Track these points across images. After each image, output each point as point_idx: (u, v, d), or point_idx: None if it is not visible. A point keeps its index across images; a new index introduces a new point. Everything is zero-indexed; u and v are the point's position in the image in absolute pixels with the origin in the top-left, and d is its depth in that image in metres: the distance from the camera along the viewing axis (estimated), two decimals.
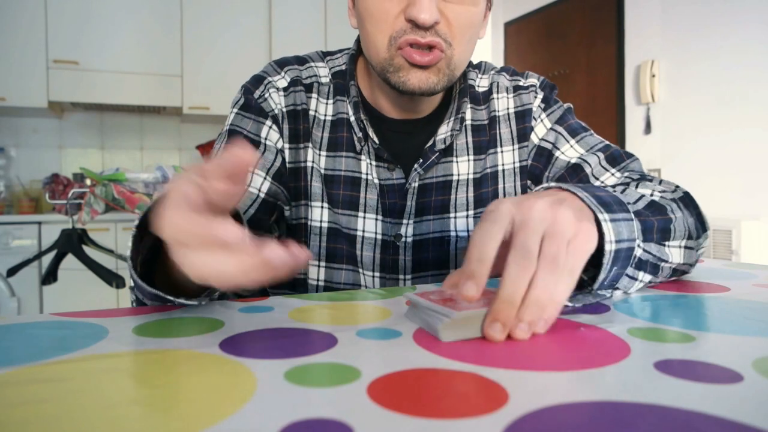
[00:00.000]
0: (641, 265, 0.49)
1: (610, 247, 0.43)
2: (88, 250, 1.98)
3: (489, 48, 3.82)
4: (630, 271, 0.48)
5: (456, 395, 0.27)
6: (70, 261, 1.99)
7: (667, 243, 0.51)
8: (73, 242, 1.93)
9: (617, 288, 0.49)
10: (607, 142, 0.72)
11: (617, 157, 0.69)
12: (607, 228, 0.43)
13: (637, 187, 0.57)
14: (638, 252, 0.47)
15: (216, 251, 0.31)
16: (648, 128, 2.72)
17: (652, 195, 0.55)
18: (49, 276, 1.99)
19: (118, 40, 3.17)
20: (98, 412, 0.25)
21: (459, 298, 0.38)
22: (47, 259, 2.05)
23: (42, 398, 0.27)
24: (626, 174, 0.67)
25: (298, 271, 0.39)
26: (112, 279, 1.92)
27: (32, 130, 3.32)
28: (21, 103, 3.00)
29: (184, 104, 3.29)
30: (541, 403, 0.26)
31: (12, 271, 2.07)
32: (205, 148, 3.41)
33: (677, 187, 0.60)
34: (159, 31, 3.25)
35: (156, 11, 3.24)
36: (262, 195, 0.67)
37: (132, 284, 0.49)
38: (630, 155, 0.70)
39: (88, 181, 1.90)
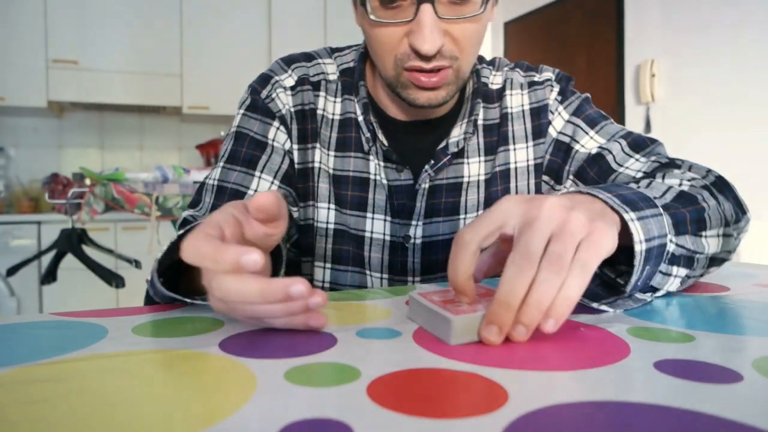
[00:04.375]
0: (674, 260, 0.46)
1: (640, 247, 0.41)
2: (88, 250, 1.98)
3: (489, 48, 3.82)
4: (663, 267, 0.46)
5: (456, 395, 0.27)
6: (69, 261, 1.99)
7: (703, 233, 0.48)
8: (73, 242, 1.93)
9: (656, 289, 0.46)
10: (629, 129, 0.69)
11: (640, 142, 0.66)
12: (635, 228, 0.41)
13: (664, 177, 0.54)
14: (671, 247, 0.45)
15: (234, 276, 0.34)
16: (648, 128, 2.72)
17: (680, 185, 0.52)
18: (49, 276, 1.99)
19: (118, 39, 3.17)
20: (98, 412, 0.25)
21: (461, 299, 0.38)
22: (47, 259, 2.05)
23: (42, 398, 0.27)
24: (653, 158, 0.64)
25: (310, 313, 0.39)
26: (111, 279, 1.93)
27: (32, 129, 3.32)
28: (20, 103, 3.00)
29: (183, 104, 3.29)
30: (541, 403, 0.26)
31: (11, 271, 2.07)
32: (205, 148, 3.40)
33: (709, 171, 0.57)
34: (159, 31, 3.25)
35: (155, 11, 3.24)
36: None
37: (150, 285, 0.49)
38: (654, 140, 0.67)
39: (87, 181, 1.90)
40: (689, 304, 0.48)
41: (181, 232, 0.46)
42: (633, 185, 0.48)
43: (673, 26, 2.62)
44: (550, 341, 0.37)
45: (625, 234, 0.41)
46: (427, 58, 0.56)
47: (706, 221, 0.48)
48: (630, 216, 0.41)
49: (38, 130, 3.33)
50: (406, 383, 0.29)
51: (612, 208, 0.41)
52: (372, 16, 0.56)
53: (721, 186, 0.54)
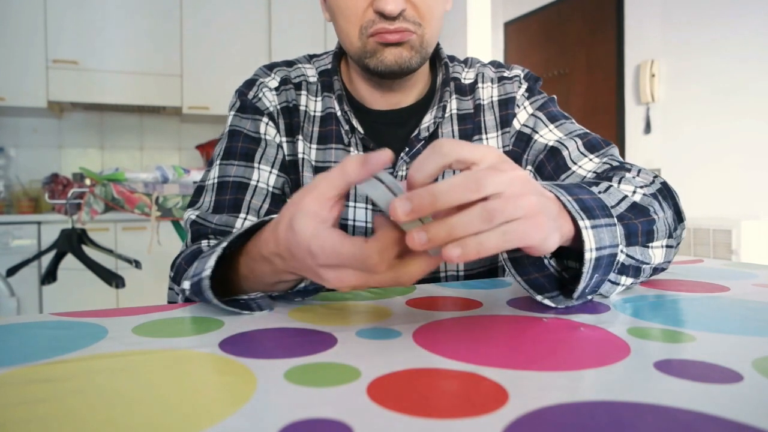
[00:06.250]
0: (623, 269, 0.49)
1: (590, 255, 0.41)
2: (88, 250, 1.98)
3: (489, 48, 3.82)
4: (612, 276, 0.48)
5: (456, 395, 0.27)
6: (69, 261, 1.99)
7: (651, 245, 0.51)
8: (73, 242, 1.93)
9: (600, 294, 0.49)
10: (586, 130, 0.73)
11: (596, 144, 0.70)
12: (588, 236, 0.41)
13: (620, 183, 0.56)
14: (621, 257, 0.47)
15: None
16: (648, 128, 2.72)
17: (634, 194, 0.54)
18: (49, 276, 1.99)
19: (118, 39, 3.16)
20: (98, 412, 0.25)
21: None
22: (47, 259, 2.05)
23: (42, 398, 0.27)
24: (605, 160, 0.67)
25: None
26: (111, 279, 1.92)
27: (32, 129, 3.32)
28: (20, 103, 3.00)
29: (183, 104, 3.29)
30: (541, 403, 0.26)
31: (11, 271, 2.07)
32: (205, 148, 3.40)
33: (655, 177, 0.60)
34: (159, 31, 3.25)
35: (156, 11, 3.24)
36: (271, 189, 0.69)
37: (185, 290, 0.48)
38: (608, 143, 0.71)
39: (87, 181, 1.90)
40: (689, 305, 0.48)
41: (225, 244, 0.46)
42: (594, 188, 0.49)
43: (673, 26, 2.62)
44: (550, 341, 0.37)
45: (578, 239, 0.42)
46: (390, 19, 0.60)
47: (654, 233, 0.51)
48: (585, 224, 0.41)
49: (38, 130, 3.33)
50: (406, 383, 0.29)
51: (570, 212, 0.42)
52: None
53: (665, 194, 0.57)
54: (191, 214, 0.67)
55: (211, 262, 0.44)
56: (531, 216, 0.35)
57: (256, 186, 0.69)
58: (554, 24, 3.35)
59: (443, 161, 0.36)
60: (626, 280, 0.50)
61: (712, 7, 2.45)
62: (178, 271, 0.61)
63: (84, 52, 3.10)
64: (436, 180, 0.35)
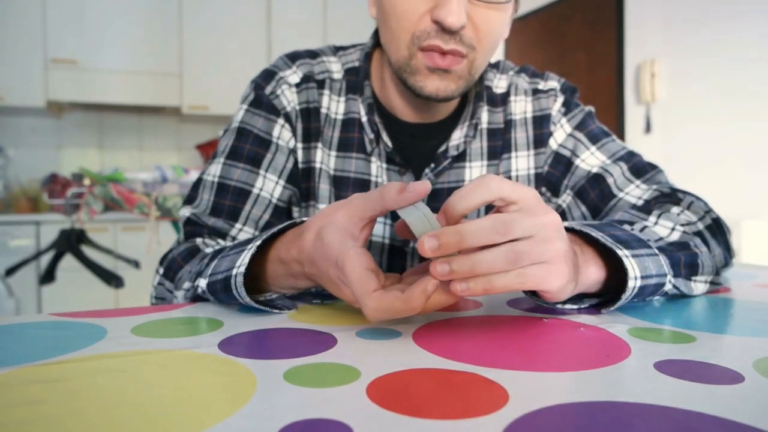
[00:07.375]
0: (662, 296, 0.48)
1: (634, 283, 0.42)
2: (87, 250, 1.98)
3: None
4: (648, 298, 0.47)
5: (456, 395, 0.27)
6: (68, 261, 1.99)
7: (694, 278, 0.49)
8: (72, 242, 1.93)
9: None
10: (630, 149, 0.68)
11: (641, 168, 0.65)
12: (630, 263, 0.42)
13: (658, 219, 0.53)
14: (668, 287, 0.46)
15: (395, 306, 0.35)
16: (648, 128, 2.72)
17: (672, 231, 0.51)
18: (48, 276, 1.99)
19: (117, 39, 3.16)
20: (97, 412, 0.25)
21: None
22: (46, 259, 2.05)
23: (41, 398, 0.27)
24: (654, 187, 0.63)
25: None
26: (110, 279, 1.92)
27: (30, 129, 3.31)
28: (19, 103, 2.99)
29: (183, 104, 3.29)
30: (541, 403, 0.26)
31: (10, 271, 2.07)
32: (205, 148, 3.40)
33: (707, 212, 0.56)
34: (158, 31, 3.25)
35: (155, 10, 3.24)
36: (274, 201, 0.66)
37: (198, 287, 0.48)
38: (654, 166, 0.66)
39: (86, 181, 1.89)
40: (689, 305, 0.48)
41: (259, 242, 0.45)
42: (627, 227, 0.49)
43: (673, 26, 2.62)
44: (550, 341, 0.37)
45: (613, 276, 0.43)
46: (448, 35, 0.54)
47: (699, 267, 0.49)
48: (624, 253, 0.42)
49: (37, 129, 3.33)
50: (406, 383, 0.28)
51: (605, 245, 0.43)
52: None
53: (715, 230, 0.54)
54: (187, 212, 0.65)
55: (246, 259, 0.44)
56: (553, 262, 0.36)
57: (258, 195, 0.65)
58: (554, 24, 3.35)
59: (487, 197, 0.36)
60: (656, 303, 0.49)
61: (712, 7, 2.45)
62: (171, 267, 0.59)
63: (83, 52, 3.09)
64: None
